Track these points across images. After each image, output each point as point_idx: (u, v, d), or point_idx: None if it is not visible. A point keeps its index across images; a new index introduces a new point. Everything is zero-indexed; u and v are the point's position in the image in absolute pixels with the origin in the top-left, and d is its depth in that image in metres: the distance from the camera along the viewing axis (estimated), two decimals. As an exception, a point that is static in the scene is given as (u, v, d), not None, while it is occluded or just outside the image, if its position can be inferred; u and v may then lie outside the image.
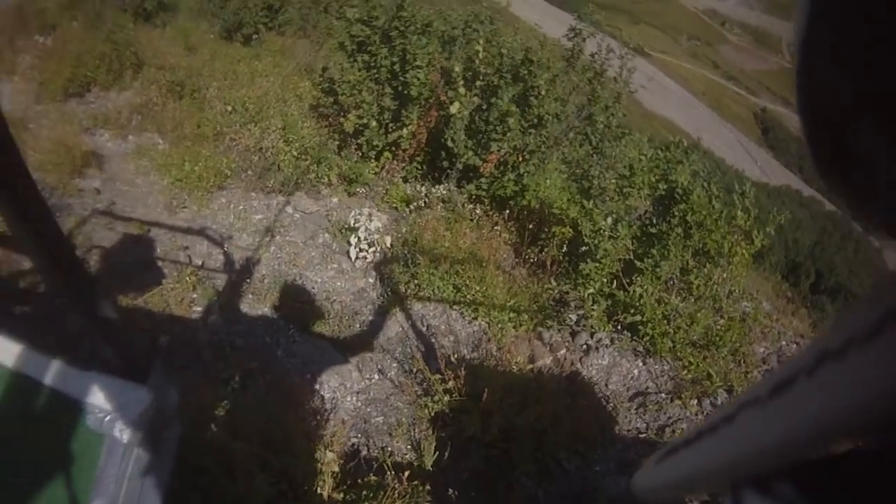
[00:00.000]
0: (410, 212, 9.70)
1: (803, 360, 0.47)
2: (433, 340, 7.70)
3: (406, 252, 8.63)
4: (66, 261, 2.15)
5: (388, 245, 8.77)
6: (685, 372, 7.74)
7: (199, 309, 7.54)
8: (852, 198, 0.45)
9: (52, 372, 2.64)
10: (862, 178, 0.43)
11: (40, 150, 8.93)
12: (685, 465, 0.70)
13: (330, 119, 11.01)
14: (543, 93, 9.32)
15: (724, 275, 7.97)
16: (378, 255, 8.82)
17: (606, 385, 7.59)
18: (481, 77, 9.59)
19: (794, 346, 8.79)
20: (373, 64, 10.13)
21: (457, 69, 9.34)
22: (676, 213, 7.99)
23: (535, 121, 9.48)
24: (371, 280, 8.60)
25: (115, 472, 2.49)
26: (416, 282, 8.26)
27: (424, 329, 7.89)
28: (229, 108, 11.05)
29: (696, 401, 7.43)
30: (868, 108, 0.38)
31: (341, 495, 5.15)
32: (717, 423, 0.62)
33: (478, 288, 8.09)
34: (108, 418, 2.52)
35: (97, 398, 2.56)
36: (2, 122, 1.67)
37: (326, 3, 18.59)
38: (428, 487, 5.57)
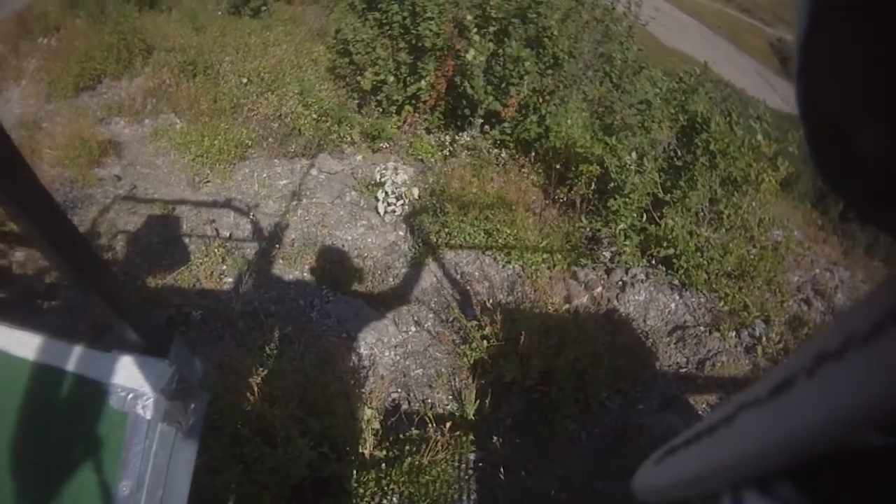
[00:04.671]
0: (436, 162, 9.69)
1: (803, 360, 0.47)
2: (468, 288, 7.68)
3: (434, 202, 8.62)
4: (69, 240, 2.12)
5: (416, 196, 8.74)
6: (722, 304, 7.74)
7: (230, 280, 7.61)
8: (855, 200, 0.45)
9: (74, 358, 2.65)
10: (865, 181, 0.43)
11: (56, 147, 9.10)
12: (685, 466, 0.71)
13: (347, 79, 11.02)
14: (556, 32, 9.27)
15: (753, 203, 7.92)
16: (407, 207, 8.80)
17: (644, 321, 7.59)
18: (494, 23, 9.52)
19: (828, 273, 8.76)
20: (384, 20, 10.12)
21: (469, 17, 9.28)
22: (699, 143, 7.93)
23: (551, 61, 9.43)
24: (401, 233, 8.58)
25: (140, 450, 2.49)
26: (446, 230, 8.24)
27: (458, 277, 7.88)
28: (244, 80, 11.04)
29: (734, 332, 7.42)
30: (872, 109, 0.38)
31: (383, 452, 5.19)
32: (716, 423, 0.63)
33: (509, 231, 8.05)
34: (130, 396, 2.52)
35: (119, 377, 2.55)
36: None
37: (333, -33, 18.10)
38: (471, 437, 5.66)
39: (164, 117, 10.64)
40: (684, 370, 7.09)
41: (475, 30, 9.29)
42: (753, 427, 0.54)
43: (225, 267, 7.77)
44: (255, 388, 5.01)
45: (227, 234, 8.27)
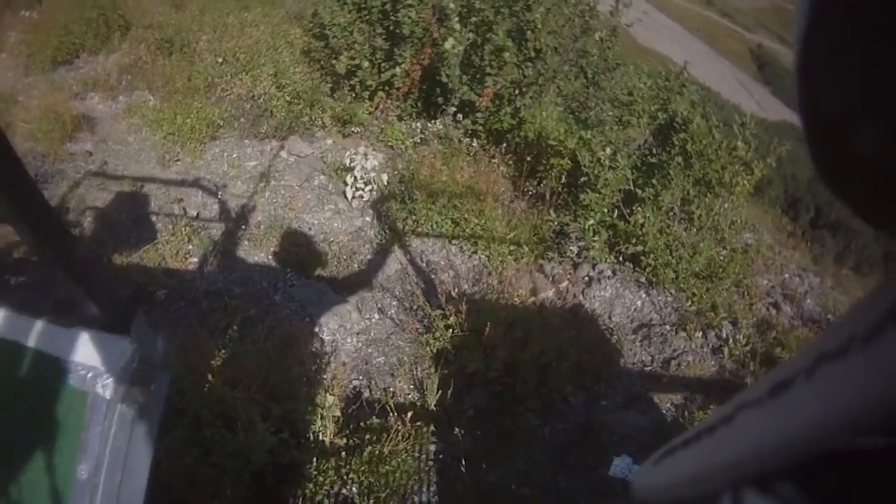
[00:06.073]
0: (406, 149, 9.65)
1: (802, 360, 0.46)
2: (433, 276, 7.68)
3: (403, 189, 8.58)
4: (36, 208, 2.10)
5: (385, 183, 8.72)
6: (689, 303, 7.74)
7: (196, 260, 7.59)
8: (854, 199, 0.45)
9: (35, 333, 2.58)
10: (864, 180, 0.43)
11: (30, 120, 9.02)
12: (684, 466, 0.70)
13: (322, 63, 10.99)
14: (540, 26, 9.23)
15: (726, 205, 7.91)
16: (375, 193, 8.77)
17: (610, 317, 7.58)
18: (476, 13, 9.49)
19: (797, 278, 8.81)
20: (363, 5, 10.03)
21: (451, 5, 9.22)
22: (676, 143, 7.90)
23: (532, 54, 9.39)
24: (368, 219, 8.57)
25: (100, 431, 2.43)
26: (413, 218, 8.22)
27: (424, 265, 7.86)
28: (220, 60, 10.99)
29: (700, 333, 7.43)
30: (871, 108, 0.38)
31: (344, 440, 5.18)
32: (716, 423, 0.62)
33: (476, 221, 8.02)
34: (90, 374, 2.46)
35: (80, 355, 2.50)
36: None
37: (314, -51, 18.11)
38: (432, 427, 5.61)
39: (138, 94, 10.57)
40: (649, 368, 7.09)
41: (456, 18, 9.24)
42: (753, 427, 0.54)
43: (191, 246, 7.75)
44: (218, 370, 4.96)
45: (195, 214, 8.25)
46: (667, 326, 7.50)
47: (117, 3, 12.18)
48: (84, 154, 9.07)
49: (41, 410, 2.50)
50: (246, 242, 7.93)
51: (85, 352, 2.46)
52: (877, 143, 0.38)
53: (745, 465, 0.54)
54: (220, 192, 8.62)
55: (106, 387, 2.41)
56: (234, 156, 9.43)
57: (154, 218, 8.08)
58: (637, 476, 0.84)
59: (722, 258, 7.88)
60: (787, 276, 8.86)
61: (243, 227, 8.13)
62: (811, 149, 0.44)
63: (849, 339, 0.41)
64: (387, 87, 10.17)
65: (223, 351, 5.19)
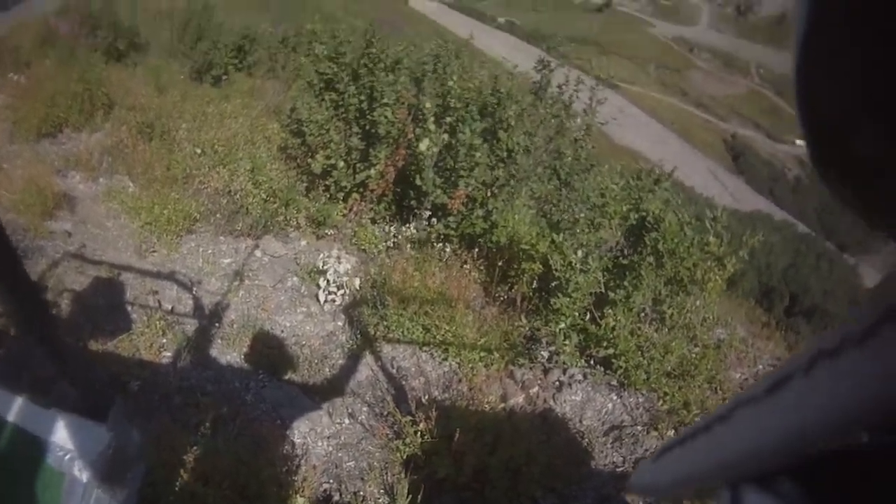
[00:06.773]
0: (379, 253, 9.69)
1: (801, 359, 0.47)
2: (403, 382, 7.66)
3: (375, 294, 8.59)
4: (20, 288, 2.16)
5: (357, 287, 8.75)
6: (661, 403, 7.70)
7: (169, 354, 7.55)
8: (855, 201, 0.45)
9: (15, 409, 2.60)
10: (865, 182, 0.43)
11: (13, 191, 9.04)
12: (682, 464, 0.71)
13: (298, 160, 11.03)
14: (513, 123, 9.31)
15: (698, 302, 7.95)
16: (347, 297, 8.80)
17: (581, 420, 7.53)
18: (452, 113, 9.56)
19: (771, 368, 8.79)
20: (340, 102, 10.11)
21: (428, 105, 9.28)
22: (648, 242, 7.95)
23: (505, 154, 9.45)
24: (340, 323, 8.59)
25: None
26: (385, 324, 8.21)
27: (394, 371, 7.85)
28: (198, 151, 11.08)
29: (673, 431, 7.39)
30: (871, 110, 0.38)
31: (313, 543, 5.03)
32: (713, 421, 0.63)
33: (447, 328, 8.01)
34: (67, 457, 2.48)
35: (59, 436, 2.52)
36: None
37: (295, 43, 18.64)
38: (401, 533, 5.46)
39: (118, 178, 10.64)
40: (621, 469, 7.05)
41: (432, 118, 9.27)
42: (750, 424, 0.55)
43: (165, 340, 7.71)
44: (190, 466, 5.01)
45: (170, 308, 8.24)
46: (638, 427, 7.47)
47: (102, 80, 12.37)
48: (63, 234, 9.09)
49: (18, 486, 2.52)
50: (219, 341, 7.93)
51: (63, 434, 2.49)
52: (877, 145, 0.40)
53: (743, 463, 0.56)
54: (194, 288, 8.63)
55: (83, 470, 2.45)
56: (210, 251, 9.46)
57: (130, 307, 8.06)
58: (636, 474, 0.87)
59: (694, 356, 7.81)
60: (760, 367, 8.84)
61: (217, 325, 8.13)
62: (811, 151, 0.46)
63: (846, 337, 0.43)
64: (361, 189, 10.21)
65: (195, 447, 5.24)
